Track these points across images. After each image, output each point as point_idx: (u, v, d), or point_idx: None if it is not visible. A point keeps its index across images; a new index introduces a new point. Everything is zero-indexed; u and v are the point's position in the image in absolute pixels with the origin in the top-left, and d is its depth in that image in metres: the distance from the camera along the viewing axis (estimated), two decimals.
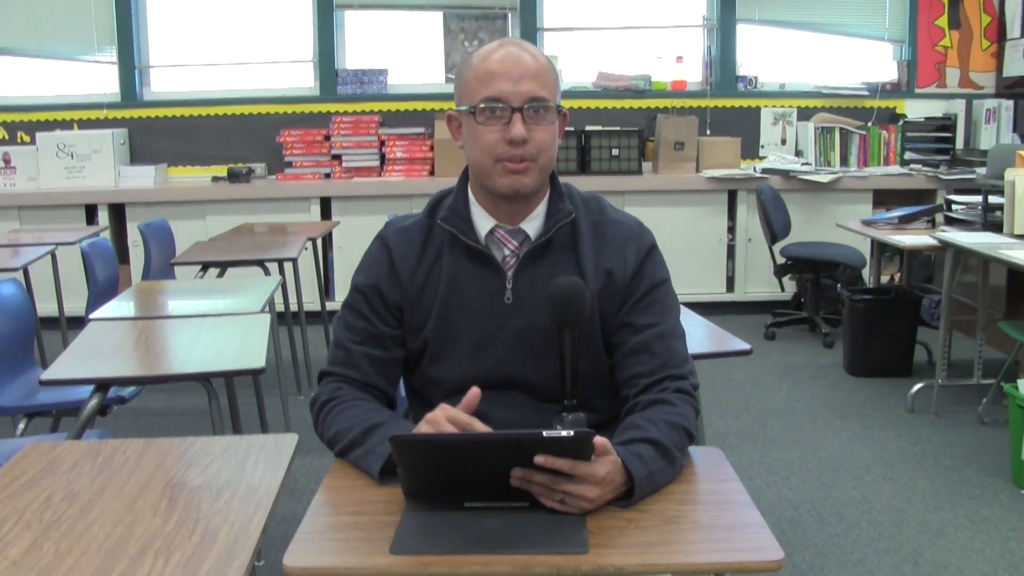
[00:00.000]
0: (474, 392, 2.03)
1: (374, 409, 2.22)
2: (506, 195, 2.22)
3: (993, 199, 5.68)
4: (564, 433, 1.80)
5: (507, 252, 2.28)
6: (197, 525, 1.83)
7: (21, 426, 3.98)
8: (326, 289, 7.87)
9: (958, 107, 8.27)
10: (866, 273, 7.40)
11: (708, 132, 8.39)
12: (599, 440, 1.85)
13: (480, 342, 2.25)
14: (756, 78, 8.53)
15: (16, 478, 2.09)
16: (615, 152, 8.03)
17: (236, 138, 8.46)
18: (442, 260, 2.28)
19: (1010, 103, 8.14)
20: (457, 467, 1.87)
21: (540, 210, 2.29)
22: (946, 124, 8.28)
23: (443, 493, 1.88)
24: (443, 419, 1.99)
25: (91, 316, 3.98)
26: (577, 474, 1.82)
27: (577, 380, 2.13)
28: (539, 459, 1.80)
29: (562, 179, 2.35)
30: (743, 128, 8.43)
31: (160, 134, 8.44)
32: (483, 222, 2.28)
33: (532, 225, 2.28)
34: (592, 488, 1.83)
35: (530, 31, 8.35)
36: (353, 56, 8.59)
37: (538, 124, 2.16)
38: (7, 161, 8.14)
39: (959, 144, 8.27)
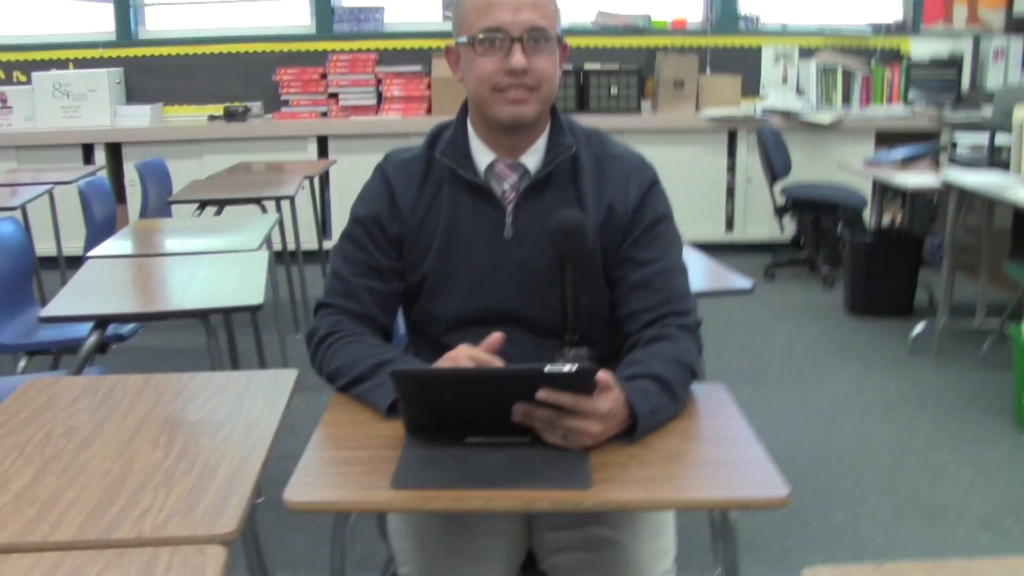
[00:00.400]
0: (496, 336, 2.01)
1: (379, 345, 2.19)
2: (506, 125, 2.18)
3: (1000, 139, 5.63)
4: (566, 368, 1.78)
5: (507, 187, 2.25)
6: (197, 459, 1.82)
7: (22, 364, 3.97)
8: (323, 228, 7.85)
9: (965, 46, 8.18)
10: (867, 214, 7.36)
11: (708, 71, 8.33)
12: (602, 375, 1.83)
13: (479, 277, 2.22)
14: (758, 17, 8.46)
15: (16, 413, 2.08)
16: (614, 91, 7.99)
17: (232, 77, 8.40)
18: (441, 194, 2.24)
19: (1019, 41, 8.03)
20: (458, 402, 1.85)
21: (540, 144, 2.25)
22: (952, 63, 8.19)
23: (444, 428, 1.86)
24: (463, 357, 1.97)
25: (89, 254, 3.97)
26: (580, 409, 1.80)
27: (579, 315, 2.12)
28: (541, 394, 1.78)
29: (566, 115, 2.32)
30: (744, 67, 8.36)
31: (156, 73, 8.39)
32: (482, 156, 2.25)
33: (532, 159, 2.24)
34: (595, 423, 1.82)
35: None
36: None
37: (538, 54, 2.11)
38: (3, 101, 8.08)
39: (965, 83, 8.19)
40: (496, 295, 2.22)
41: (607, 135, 2.34)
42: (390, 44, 8.35)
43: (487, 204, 2.23)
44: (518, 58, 2.09)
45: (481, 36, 2.11)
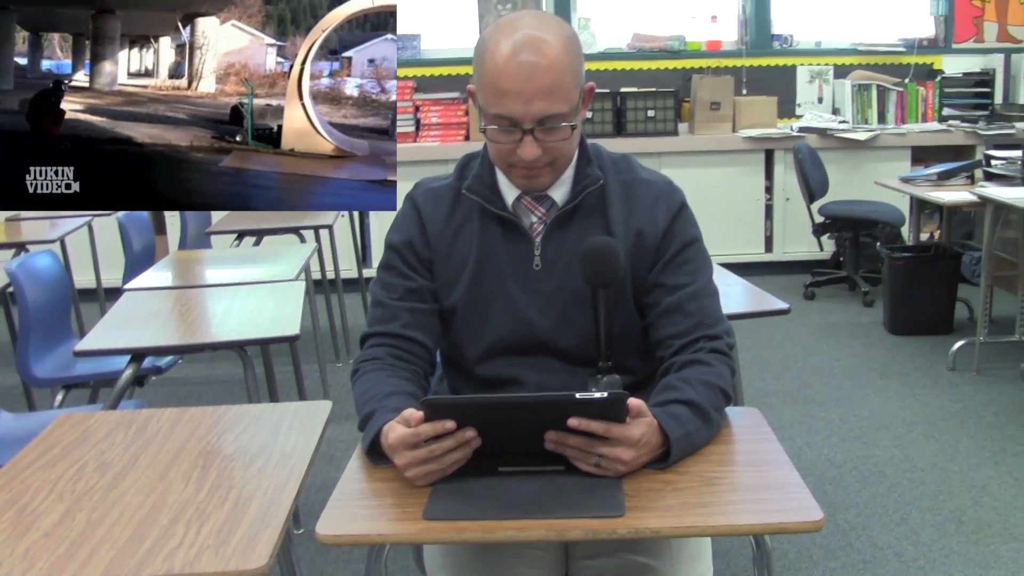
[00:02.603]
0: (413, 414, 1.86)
1: (381, 382, 2.12)
2: (523, 191, 2.21)
3: None
4: (598, 395, 1.78)
5: (534, 219, 2.24)
6: (230, 493, 1.82)
7: (59, 398, 3.99)
8: (363, 256, 7.87)
9: (997, 62, 8.15)
10: (905, 231, 7.32)
11: (744, 92, 8.31)
12: (633, 402, 1.82)
13: (510, 307, 2.21)
14: (791, 36, 8.43)
15: (49, 448, 2.09)
16: (651, 113, 7.97)
17: None
18: (470, 224, 2.24)
19: None
20: (491, 431, 1.84)
21: (567, 176, 2.23)
22: (984, 79, 8.16)
23: (477, 458, 1.85)
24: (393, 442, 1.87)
25: (126, 286, 3.99)
26: (612, 436, 1.79)
27: (611, 341, 2.11)
28: (573, 422, 1.77)
29: (594, 141, 2.31)
30: (779, 87, 8.32)
31: None
32: (509, 190, 2.24)
33: (559, 192, 2.22)
34: (628, 450, 1.81)
35: None
36: None
37: (552, 135, 2.09)
38: None
39: (998, 99, 8.16)
40: (526, 324, 2.21)
41: (634, 160, 2.32)
42: (427, 71, 8.37)
43: (516, 235, 2.22)
44: (528, 150, 2.07)
45: (493, 123, 2.10)
